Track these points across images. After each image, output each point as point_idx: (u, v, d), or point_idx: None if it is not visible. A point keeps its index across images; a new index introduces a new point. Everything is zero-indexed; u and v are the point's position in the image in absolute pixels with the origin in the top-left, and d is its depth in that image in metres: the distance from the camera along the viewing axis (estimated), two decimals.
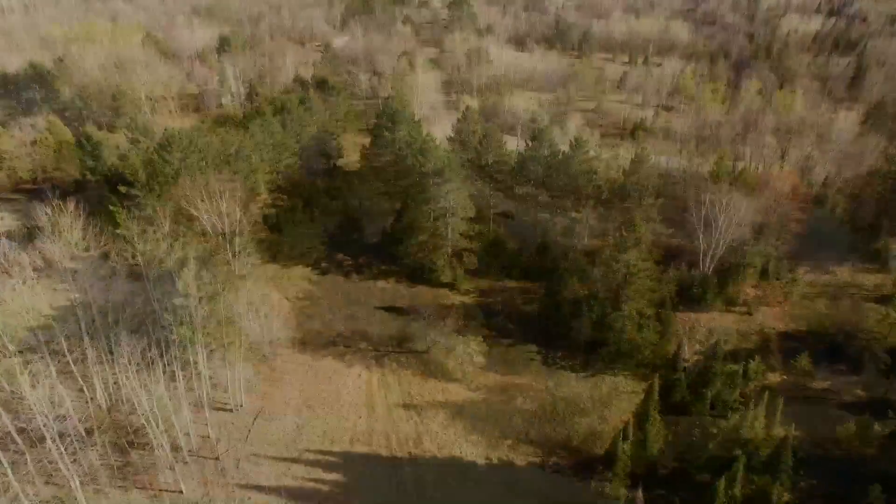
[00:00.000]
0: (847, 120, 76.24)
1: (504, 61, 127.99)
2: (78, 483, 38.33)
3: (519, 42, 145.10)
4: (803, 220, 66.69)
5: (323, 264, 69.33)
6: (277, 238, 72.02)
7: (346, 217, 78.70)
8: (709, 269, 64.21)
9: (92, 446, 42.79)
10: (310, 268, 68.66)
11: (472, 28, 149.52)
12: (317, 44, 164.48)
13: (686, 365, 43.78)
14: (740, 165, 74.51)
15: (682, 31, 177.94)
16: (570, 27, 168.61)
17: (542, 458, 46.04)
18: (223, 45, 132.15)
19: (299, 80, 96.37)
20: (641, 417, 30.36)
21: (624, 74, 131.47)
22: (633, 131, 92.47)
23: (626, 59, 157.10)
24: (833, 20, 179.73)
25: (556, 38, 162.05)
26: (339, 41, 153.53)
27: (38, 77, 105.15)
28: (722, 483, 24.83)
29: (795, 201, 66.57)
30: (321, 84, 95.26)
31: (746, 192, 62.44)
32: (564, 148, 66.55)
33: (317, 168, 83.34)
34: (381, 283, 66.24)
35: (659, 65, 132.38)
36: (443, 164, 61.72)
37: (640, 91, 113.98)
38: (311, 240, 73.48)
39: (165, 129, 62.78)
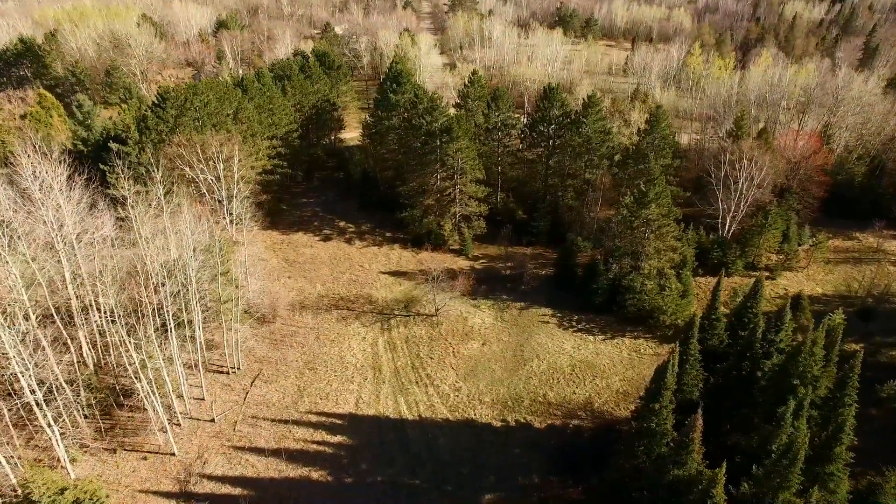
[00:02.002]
0: (868, 83, 73.72)
1: (506, 45, 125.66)
2: (60, 441, 35.04)
3: (522, 24, 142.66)
4: (825, 183, 63.94)
5: (325, 231, 66.33)
6: (277, 205, 68.98)
7: (348, 185, 75.81)
8: (728, 233, 61.44)
9: (78, 405, 39.53)
10: (311, 234, 65.64)
11: (473, 11, 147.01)
12: (316, 31, 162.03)
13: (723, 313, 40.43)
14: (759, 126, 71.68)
15: (685, 19, 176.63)
16: (572, 13, 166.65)
17: (562, 420, 42.99)
18: (221, 27, 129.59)
19: (300, 54, 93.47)
20: (680, 358, 27.47)
21: (628, 57, 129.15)
22: (644, 99, 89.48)
23: (629, 46, 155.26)
24: (838, 7, 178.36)
25: (559, 24, 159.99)
26: (339, 29, 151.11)
27: (29, 53, 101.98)
28: (790, 406, 21.96)
29: (817, 164, 63.89)
30: (322, 58, 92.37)
31: (767, 152, 59.56)
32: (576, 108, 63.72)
33: (318, 137, 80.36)
34: (385, 249, 63.24)
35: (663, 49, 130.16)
36: (451, 121, 58.82)
37: (647, 70, 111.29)
38: (312, 207, 70.52)
39: (159, 86, 59.69)
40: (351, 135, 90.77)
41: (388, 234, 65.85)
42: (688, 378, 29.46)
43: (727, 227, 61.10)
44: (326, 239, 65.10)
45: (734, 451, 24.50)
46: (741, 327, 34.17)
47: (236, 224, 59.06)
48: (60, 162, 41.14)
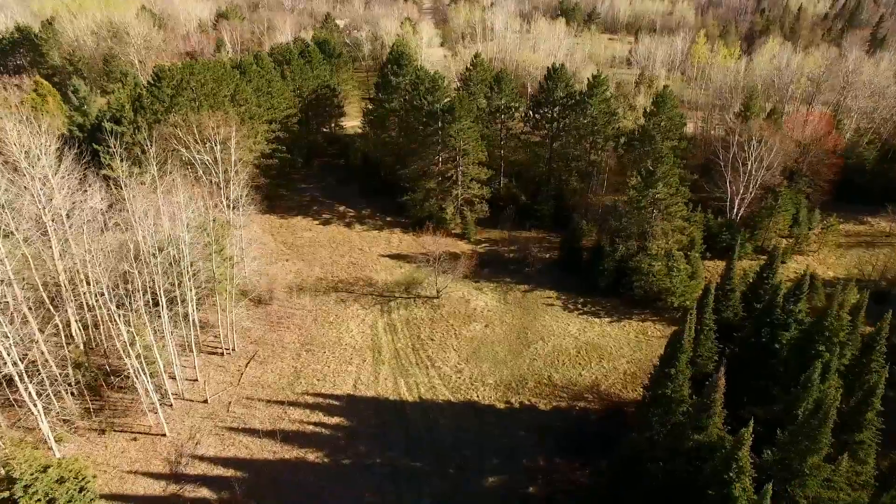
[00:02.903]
0: (880, 66, 72.14)
1: (508, 37, 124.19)
2: (44, 417, 33.59)
3: (524, 16, 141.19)
4: (837, 165, 62.36)
5: (324, 215, 64.92)
6: (276, 190, 67.56)
7: (349, 171, 74.48)
8: (737, 216, 59.89)
9: (65, 384, 38.10)
10: (310, 219, 64.24)
11: (475, 3, 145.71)
12: (317, 24, 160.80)
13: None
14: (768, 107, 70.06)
15: (688, 13, 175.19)
16: (574, 6, 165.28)
17: (567, 402, 41.47)
18: (221, 18, 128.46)
19: (300, 41, 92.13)
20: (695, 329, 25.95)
21: (632, 48, 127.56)
22: (649, 84, 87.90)
23: (632, 40, 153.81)
24: (843, 1, 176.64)
25: (561, 16, 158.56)
26: (340, 22, 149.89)
27: (26, 41, 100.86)
28: (817, 367, 20.42)
29: (828, 146, 62.31)
30: (322, 45, 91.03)
31: (777, 133, 58.00)
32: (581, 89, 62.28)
33: (318, 123, 79.02)
34: (385, 234, 61.82)
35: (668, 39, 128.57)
36: (453, 101, 57.41)
37: (651, 59, 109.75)
38: (311, 193, 69.14)
39: (155, 65, 58.38)
40: (352, 123, 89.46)
41: (388, 219, 64.43)
42: (703, 349, 27.96)
43: (735, 210, 59.57)
44: (326, 223, 63.70)
45: (753, 423, 23.01)
46: (756, 300, 32.63)
47: (233, 207, 57.69)
48: (49, 135, 39.83)
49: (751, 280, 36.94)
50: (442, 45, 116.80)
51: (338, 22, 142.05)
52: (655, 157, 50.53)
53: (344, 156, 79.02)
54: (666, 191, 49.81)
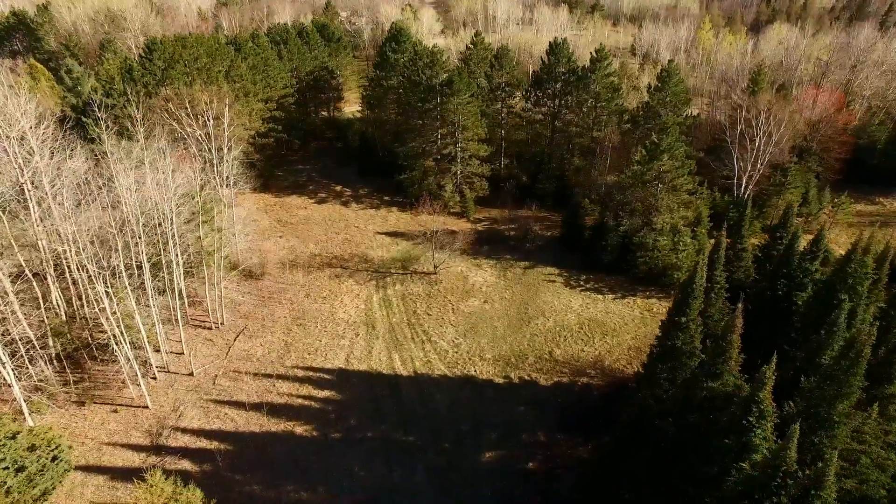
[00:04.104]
0: (893, 43, 70.14)
1: (510, 26, 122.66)
2: (16, 382, 31.94)
3: (526, 5, 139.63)
4: (848, 143, 60.40)
5: (320, 194, 63.32)
6: (272, 170, 66.03)
7: (346, 153, 72.92)
8: (744, 194, 57.93)
9: (45, 355, 36.51)
10: (306, 197, 62.65)
11: None
12: (317, 14, 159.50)
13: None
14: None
15: (692, 5, 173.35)
16: None
17: (569, 377, 39.63)
18: (221, 6, 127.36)
19: (299, 24, 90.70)
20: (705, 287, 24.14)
21: (636, 37, 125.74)
22: (654, 65, 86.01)
23: (636, 31, 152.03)
24: None
25: (564, 3, 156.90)
26: (343, 13, 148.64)
27: (22, 26, 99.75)
28: (844, 308, 18.61)
29: (839, 124, 60.37)
30: (321, 29, 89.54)
31: (786, 107, 56.10)
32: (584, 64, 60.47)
33: (316, 106, 77.48)
34: (383, 212, 60.14)
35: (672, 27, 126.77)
36: (452, 75, 55.74)
37: (655, 46, 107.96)
38: (308, 173, 67.57)
39: (146, 38, 56.88)
40: (351, 109, 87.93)
41: (386, 198, 62.79)
42: (713, 310, 26.13)
43: (743, 188, 57.63)
44: (321, 202, 62.08)
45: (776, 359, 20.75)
46: (769, 261, 30.74)
47: (226, 184, 56.05)
48: (28, 96, 38.34)
49: (763, 242, 35.04)
50: (442, 32, 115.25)
51: (339, 11, 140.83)
52: (660, 129, 48.70)
53: (342, 139, 77.45)
54: (671, 163, 47.95)
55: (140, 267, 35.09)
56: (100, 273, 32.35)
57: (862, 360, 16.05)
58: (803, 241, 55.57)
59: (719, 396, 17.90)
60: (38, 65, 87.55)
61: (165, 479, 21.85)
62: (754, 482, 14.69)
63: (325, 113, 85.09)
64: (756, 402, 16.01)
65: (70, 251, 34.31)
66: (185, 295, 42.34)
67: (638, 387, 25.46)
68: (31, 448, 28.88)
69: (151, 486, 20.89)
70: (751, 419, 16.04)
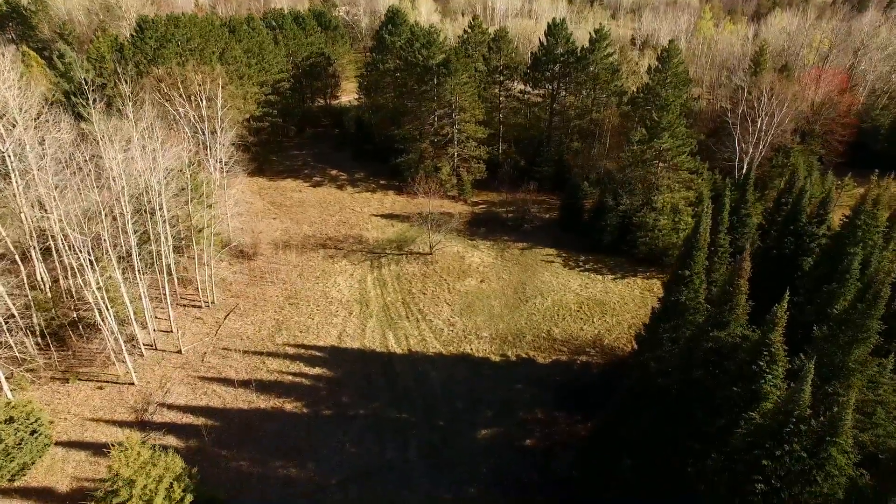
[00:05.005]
0: None
1: (509, 18, 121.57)
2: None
3: None
4: (852, 125, 59.40)
5: (315, 178, 62.31)
6: (267, 155, 64.98)
7: (343, 139, 71.92)
8: (746, 177, 56.87)
9: (29, 332, 35.45)
10: (301, 181, 61.64)
11: None
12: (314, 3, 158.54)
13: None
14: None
15: None
16: None
17: (568, 355, 38.60)
18: None
19: (294, 11, 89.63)
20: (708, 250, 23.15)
21: (635, 29, 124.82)
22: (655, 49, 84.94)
23: (634, 26, 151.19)
24: None
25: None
26: (342, 9, 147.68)
27: (15, 14, 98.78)
28: (857, 255, 17.58)
29: (842, 107, 59.37)
30: (319, 16, 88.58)
31: (789, 87, 55.09)
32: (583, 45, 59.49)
33: (313, 93, 76.47)
34: (379, 195, 59.13)
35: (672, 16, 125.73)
36: (449, 55, 54.75)
37: (655, 35, 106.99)
38: (304, 158, 66.56)
39: (138, 15, 55.87)
40: (347, 98, 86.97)
41: (382, 182, 61.81)
42: (716, 275, 25.03)
43: (745, 170, 56.59)
44: (317, 185, 61.09)
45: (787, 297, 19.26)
46: (773, 226, 29.67)
47: (219, 166, 54.97)
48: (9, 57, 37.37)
49: (769, 206, 33.99)
50: (441, 22, 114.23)
51: (336, 2, 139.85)
52: (661, 106, 47.70)
53: (339, 126, 76.47)
54: (672, 141, 46.96)
55: (125, 232, 33.90)
56: (84, 242, 31.31)
57: (880, 300, 14.99)
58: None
59: (726, 346, 16.75)
60: (31, 52, 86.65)
61: (143, 444, 20.83)
62: (764, 431, 13.65)
63: (321, 101, 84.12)
64: (766, 344, 14.93)
65: (53, 219, 33.21)
66: (174, 271, 41.31)
67: (639, 348, 24.31)
68: (9, 420, 27.87)
69: (127, 450, 19.86)
70: (761, 363, 14.95)
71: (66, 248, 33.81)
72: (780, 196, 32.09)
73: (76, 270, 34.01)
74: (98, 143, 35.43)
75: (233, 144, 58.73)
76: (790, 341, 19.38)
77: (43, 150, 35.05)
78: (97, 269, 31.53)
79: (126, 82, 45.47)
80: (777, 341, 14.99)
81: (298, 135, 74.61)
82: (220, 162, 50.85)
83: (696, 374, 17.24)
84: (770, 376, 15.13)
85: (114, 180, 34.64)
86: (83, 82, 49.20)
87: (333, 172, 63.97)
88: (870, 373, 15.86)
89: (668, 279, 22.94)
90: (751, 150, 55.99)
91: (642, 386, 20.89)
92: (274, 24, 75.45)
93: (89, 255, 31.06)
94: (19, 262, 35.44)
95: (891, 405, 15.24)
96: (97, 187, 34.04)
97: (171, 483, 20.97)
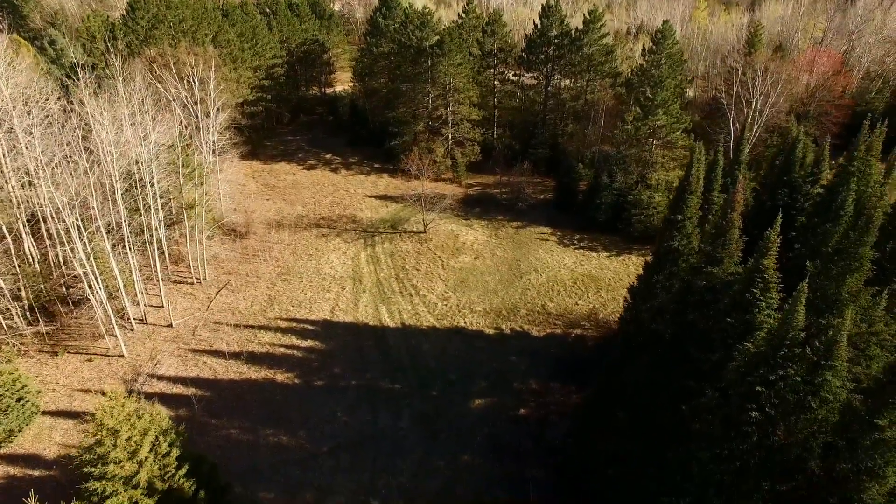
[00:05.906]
0: (890, 12, 69.20)
1: (505, 10, 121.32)
2: None
3: None
4: (846, 108, 59.39)
5: (309, 162, 61.92)
6: (260, 140, 64.56)
7: (337, 124, 71.55)
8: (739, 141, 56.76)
9: (18, 305, 34.95)
10: (294, 164, 61.25)
11: None
12: None
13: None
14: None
15: None
16: None
17: (563, 329, 38.35)
18: None
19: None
20: (701, 205, 22.93)
21: (632, 17, 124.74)
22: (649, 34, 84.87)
23: (629, 21, 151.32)
24: None
25: None
26: (338, 5, 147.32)
27: (6, 2, 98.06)
28: (850, 193, 17.32)
29: (837, 88, 59.33)
30: (313, 5, 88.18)
31: (783, 66, 55.04)
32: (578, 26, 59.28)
33: (307, 80, 76.07)
34: (373, 178, 58.81)
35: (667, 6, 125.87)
36: (443, 35, 54.49)
37: (650, 22, 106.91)
38: (298, 143, 66.14)
39: None
40: (342, 87, 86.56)
41: (376, 165, 61.46)
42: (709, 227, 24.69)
43: (738, 150, 56.45)
44: (311, 168, 60.69)
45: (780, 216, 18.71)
46: (770, 187, 29.28)
47: (212, 148, 54.51)
48: None
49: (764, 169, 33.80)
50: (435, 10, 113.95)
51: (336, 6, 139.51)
52: (655, 83, 47.56)
53: (333, 113, 76.07)
54: (666, 118, 46.84)
55: (115, 201, 33.42)
56: (70, 206, 30.82)
57: (872, 226, 14.74)
58: None
59: (720, 282, 16.47)
60: (21, 39, 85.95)
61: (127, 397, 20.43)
62: (759, 358, 13.36)
63: (315, 89, 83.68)
64: (760, 270, 14.64)
65: (40, 185, 32.69)
66: (164, 247, 40.87)
67: (633, 301, 24.02)
68: None
69: (111, 400, 19.47)
70: (755, 291, 14.66)
71: (54, 214, 33.30)
72: (775, 158, 31.86)
73: (63, 239, 33.51)
74: (87, 113, 35.06)
75: (226, 128, 58.39)
76: (784, 285, 19.08)
77: (30, 118, 34.60)
78: (84, 234, 31.08)
79: (116, 58, 44.94)
80: (770, 267, 14.71)
81: (292, 121, 74.23)
82: (213, 143, 50.44)
83: (691, 317, 16.98)
84: (764, 304, 14.87)
85: (101, 144, 34.11)
86: (74, 64, 48.80)
87: (327, 156, 63.61)
88: (863, 303, 15.64)
89: (660, 229, 22.66)
90: (745, 131, 55.88)
91: (636, 333, 20.61)
92: (268, 10, 75.06)
93: (77, 219, 30.64)
94: (6, 235, 34.95)
95: (884, 336, 15.01)
96: (84, 151, 33.64)
97: (157, 437, 20.57)
